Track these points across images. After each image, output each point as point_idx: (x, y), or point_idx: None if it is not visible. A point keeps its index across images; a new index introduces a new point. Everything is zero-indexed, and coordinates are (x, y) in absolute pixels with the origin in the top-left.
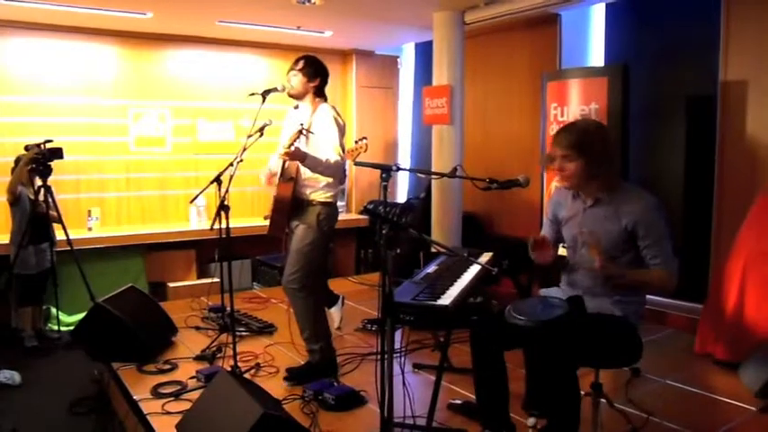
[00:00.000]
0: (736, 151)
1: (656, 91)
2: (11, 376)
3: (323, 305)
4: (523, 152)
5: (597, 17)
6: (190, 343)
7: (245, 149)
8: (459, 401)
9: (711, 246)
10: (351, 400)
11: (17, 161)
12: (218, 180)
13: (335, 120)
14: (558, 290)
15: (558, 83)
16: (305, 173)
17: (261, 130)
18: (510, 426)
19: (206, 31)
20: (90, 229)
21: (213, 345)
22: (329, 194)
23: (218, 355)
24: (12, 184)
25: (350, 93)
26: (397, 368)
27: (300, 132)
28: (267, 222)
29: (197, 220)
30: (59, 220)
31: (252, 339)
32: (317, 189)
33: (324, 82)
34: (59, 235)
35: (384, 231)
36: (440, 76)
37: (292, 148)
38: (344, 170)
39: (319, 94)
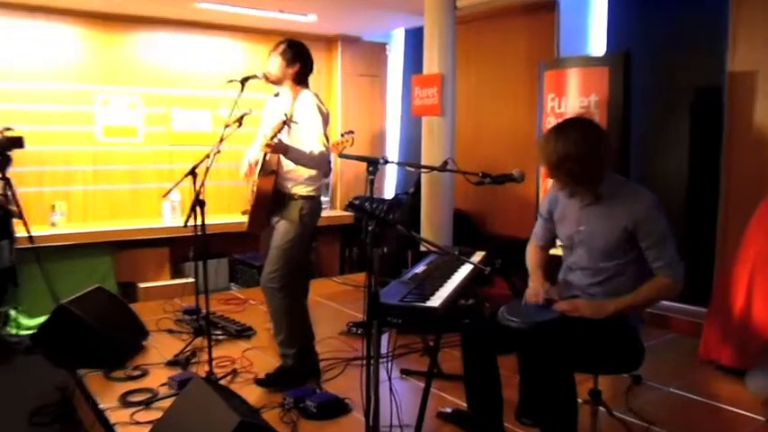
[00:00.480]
0: (744, 146)
1: (660, 82)
2: None
3: (304, 307)
4: (518, 146)
5: (598, 2)
6: (162, 347)
7: (222, 140)
8: (449, 410)
9: (717, 246)
10: (334, 409)
11: None
12: (193, 173)
13: (318, 108)
14: (555, 290)
15: (555, 72)
16: (286, 165)
17: (239, 119)
18: None
19: (182, 13)
20: (54, 224)
21: (187, 349)
22: (312, 188)
23: (193, 361)
24: None
25: (335, 81)
26: (383, 374)
27: (284, 123)
28: (246, 218)
29: (170, 216)
30: (20, 216)
31: (229, 343)
32: (299, 182)
33: (305, 68)
34: (20, 231)
35: (370, 228)
36: (430, 64)
37: (275, 140)
38: (329, 162)
39: (300, 81)
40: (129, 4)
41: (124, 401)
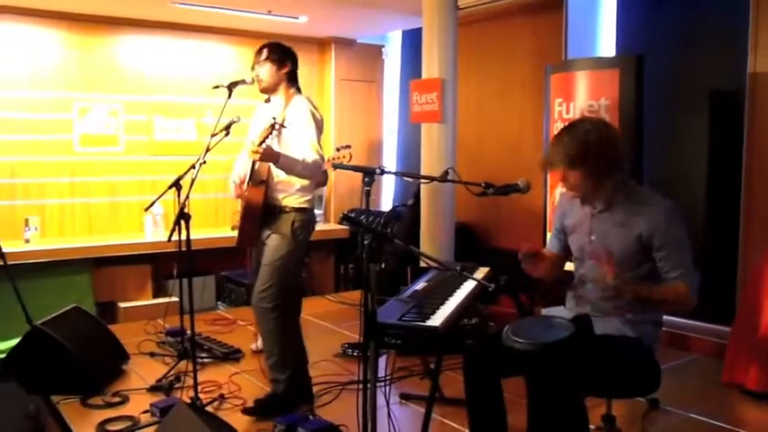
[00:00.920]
0: (767, 152)
1: (675, 84)
2: None
3: (297, 328)
4: (524, 154)
5: (607, 1)
6: (143, 372)
7: (208, 150)
8: None
9: (739, 259)
10: None
11: None
12: (177, 185)
13: (312, 114)
14: (564, 309)
15: (563, 75)
16: (277, 175)
17: (227, 128)
18: None
19: (163, 14)
20: (27, 240)
21: (171, 373)
22: (304, 199)
23: (176, 386)
24: None
25: (328, 86)
26: (381, 399)
27: (273, 127)
28: (235, 233)
29: (153, 231)
30: None
31: (215, 367)
32: (291, 193)
33: (294, 67)
34: None
35: (367, 243)
36: (430, 67)
37: (263, 146)
38: (325, 171)
39: (292, 82)
40: (108, 5)
41: (102, 430)
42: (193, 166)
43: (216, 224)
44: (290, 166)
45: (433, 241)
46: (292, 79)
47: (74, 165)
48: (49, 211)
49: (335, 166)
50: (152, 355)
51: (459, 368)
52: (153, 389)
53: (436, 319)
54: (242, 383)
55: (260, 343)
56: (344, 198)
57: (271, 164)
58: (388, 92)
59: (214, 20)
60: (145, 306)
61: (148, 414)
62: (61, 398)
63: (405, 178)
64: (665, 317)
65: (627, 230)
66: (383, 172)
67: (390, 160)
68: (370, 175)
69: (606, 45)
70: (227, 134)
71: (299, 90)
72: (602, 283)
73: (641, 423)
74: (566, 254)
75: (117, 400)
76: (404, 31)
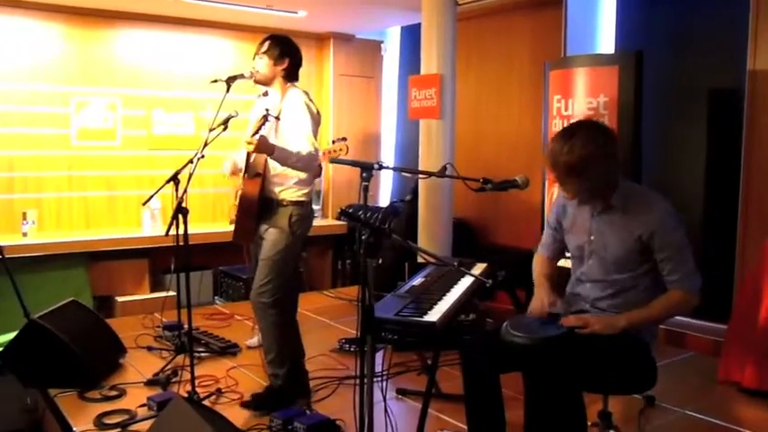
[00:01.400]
0: (765, 150)
1: (674, 82)
2: None
3: (295, 323)
4: (522, 150)
5: None
6: (141, 366)
7: (206, 144)
8: None
9: (736, 257)
10: (325, 431)
11: None
12: (175, 179)
13: (307, 106)
14: (561, 304)
15: (562, 72)
16: (274, 168)
17: (225, 122)
18: None
19: (162, 9)
20: (25, 234)
21: (168, 367)
22: (302, 192)
23: (174, 380)
24: None
25: (326, 82)
26: (378, 394)
27: (265, 118)
28: (232, 227)
29: (150, 225)
30: None
31: (212, 361)
32: (288, 187)
33: (294, 64)
34: None
35: (364, 238)
36: (428, 63)
37: (257, 137)
38: (320, 165)
39: (290, 78)
40: None
41: (99, 424)
42: (191, 161)
43: (214, 219)
44: (284, 158)
45: (430, 237)
46: (290, 75)
47: (71, 159)
48: (47, 205)
49: (334, 161)
50: (149, 349)
51: (456, 364)
52: (150, 383)
53: (433, 315)
54: (239, 378)
55: (257, 339)
56: (342, 193)
57: (267, 156)
58: (386, 87)
59: (213, 14)
60: (142, 300)
61: (145, 408)
62: (58, 391)
63: (403, 174)
64: None
65: (627, 232)
66: (381, 167)
67: (388, 156)
68: (369, 170)
69: (605, 42)
70: (225, 129)
71: (296, 83)
72: (598, 279)
73: (638, 420)
74: (559, 255)
75: (114, 393)
76: (403, 27)
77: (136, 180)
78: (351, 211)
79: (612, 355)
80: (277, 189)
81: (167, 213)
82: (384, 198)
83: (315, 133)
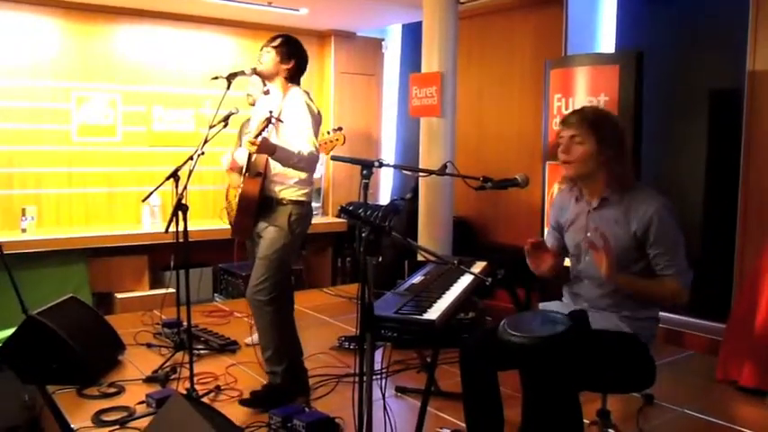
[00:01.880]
0: (765, 150)
1: (675, 81)
2: None
3: (292, 320)
4: (523, 148)
5: None
6: (139, 362)
7: (206, 141)
8: (447, 430)
9: (735, 257)
10: (324, 428)
11: None
12: (175, 176)
13: (308, 106)
14: (560, 304)
15: (562, 71)
16: (274, 167)
17: (225, 119)
18: None
19: (163, 5)
20: (24, 230)
21: (167, 364)
22: (302, 192)
23: (172, 377)
24: None
25: (327, 80)
26: (377, 392)
27: (269, 121)
28: (225, 224)
29: (150, 222)
30: None
31: (211, 358)
32: (288, 186)
33: (299, 67)
34: None
35: (364, 235)
36: (429, 61)
37: (260, 139)
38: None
39: (292, 80)
40: None
41: (98, 420)
42: (191, 158)
43: (213, 216)
44: (286, 158)
45: (430, 235)
46: (293, 77)
47: (71, 155)
48: (46, 201)
49: (335, 159)
50: (148, 345)
51: (456, 362)
52: (149, 380)
53: (433, 313)
54: (238, 375)
55: (255, 337)
56: (342, 191)
57: (268, 156)
58: (387, 85)
59: (214, 11)
60: (141, 297)
61: (144, 405)
62: (57, 388)
63: (403, 171)
64: (660, 313)
65: (623, 227)
66: (382, 165)
67: (389, 153)
68: (369, 167)
69: (606, 41)
70: (225, 125)
71: (297, 84)
72: (598, 278)
73: (636, 418)
74: (562, 252)
75: (113, 390)
76: (404, 25)
77: (136, 176)
78: (351, 208)
79: (611, 354)
80: (277, 188)
81: (167, 210)
82: (384, 196)
83: (316, 133)
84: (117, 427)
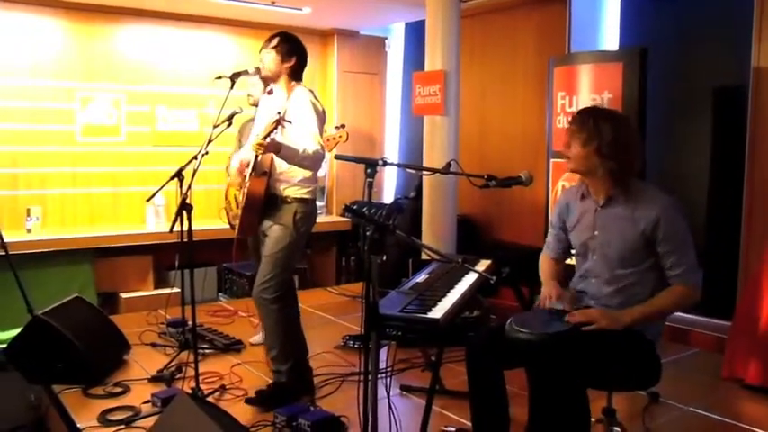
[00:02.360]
0: None
1: (679, 79)
2: None
3: (298, 319)
4: (526, 146)
5: None
6: (145, 362)
7: (210, 141)
8: (452, 429)
9: (741, 254)
10: (329, 427)
11: None
12: (179, 175)
13: (313, 105)
14: (568, 297)
15: (566, 68)
16: (279, 166)
17: (229, 119)
18: None
19: (166, 5)
20: (29, 230)
21: (172, 364)
22: (306, 190)
23: (178, 376)
24: None
25: (330, 78)
26: (382, 390)
27: (278, 122)
28: (224, 220)
29: (154, 222)
30: None
31: (216, 358)
32: (293, 184)
33: (300, 63)
34: None
35: (368, 234)
36: (433, 60)
37: (268, 140)
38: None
39: (295, 76)
40: None
41: (104, 420)
42: (195, 157)
43: (218, 215)
44: (291, 156)
45: (434, 233)
46: (296, 74)
47: (75, 155)
48: (51, 202)
49: (338, 158)
50: (153, 345)
51: (460, 360)
52: (154, 379)
53: (437, 312)
54: (243, 374)
55: (260, 336)
56: (346, 190)
57: (273, 154)
58: (390, 84)
59: (217, 10)
60: (146, 297)
61: (150, 404)
62: (63, 387)
63: (407, 170)
64: None
65: (631, 226)
66: (386, 163)
67: (393, 152)
68: (373, 166)
69: (610, 38)
70: (229, 125)
71: (300, 82)
72: (604, 276)
73: (642, 416)
74: (564, 255)
75: (118, 390)
76: (407, 24)
77: (140, 176)
78: (355, 207)
79: (617, 352)
80: (282, 186)
81: (171, 210)
82: (388, 195)
83: (321, 132)
84: (123, 426)
